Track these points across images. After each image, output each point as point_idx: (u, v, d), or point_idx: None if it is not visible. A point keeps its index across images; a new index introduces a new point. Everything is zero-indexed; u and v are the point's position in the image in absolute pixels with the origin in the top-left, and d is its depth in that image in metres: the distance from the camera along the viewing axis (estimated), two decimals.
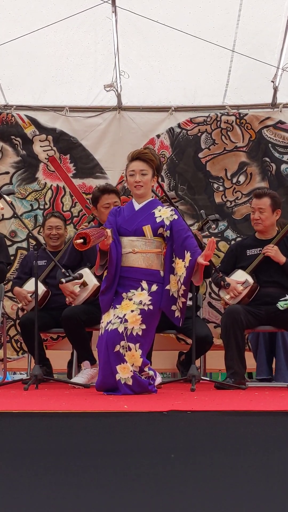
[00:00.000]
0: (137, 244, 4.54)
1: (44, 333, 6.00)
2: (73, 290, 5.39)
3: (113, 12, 6.03)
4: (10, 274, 6.67)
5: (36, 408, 3.32)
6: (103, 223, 5.59)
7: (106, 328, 4.42)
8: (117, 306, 4.46)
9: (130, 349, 4.34)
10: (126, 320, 4.38)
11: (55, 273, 5.66)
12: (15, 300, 6.37)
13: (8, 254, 6.01)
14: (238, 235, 6.72)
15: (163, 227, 4.53)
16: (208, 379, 5.50)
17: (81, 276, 5.07)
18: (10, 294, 6.36)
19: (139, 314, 4.41)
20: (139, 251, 4.52)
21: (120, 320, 4.39)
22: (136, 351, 4.35)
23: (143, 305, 4.45)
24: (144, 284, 4.47)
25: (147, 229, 4.55)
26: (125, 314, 4.40)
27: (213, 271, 5.57)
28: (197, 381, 4.66)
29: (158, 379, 4.71)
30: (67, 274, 5.03)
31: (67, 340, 5.65)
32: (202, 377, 5.07)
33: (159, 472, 2.90)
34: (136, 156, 4.65)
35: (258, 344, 6.17)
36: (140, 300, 4.45)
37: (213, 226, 5.99)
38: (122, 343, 4.34)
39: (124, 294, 4.47)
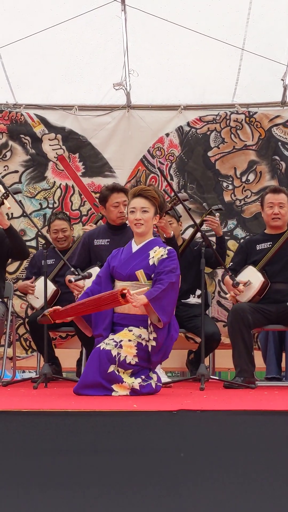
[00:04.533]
0: (131, 290, 4.29)
1: (53, 332, 6.00)
2: (77, 283, 5.32)
3: (122, 10, 6.04)
4: (20, 273, 6.69)
5: (46, 407, 3.32)
6: (112, 222, 5.59)
7: (99, 346, 4.27)
8: (116, 333, 4.31)
9: (123, 373, 4.20)
10: (121, 346, 4.21)
11: (65, 272, 5.67)
12: (24, 298, 6.38)
13: None
14: (248, 234, 6.70)
15: (153, 269, 4.35)
16: (217, 378, 5.49)
17: (90, 275, 5.06)
18: (19, 292, 6.36)
19: (135, 346, 4.23)
20: None
21: (115, 344, 4.22)
22: (129, 377, 4.19)
23: (142, 339, 4.26)
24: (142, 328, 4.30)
25: (140, 274, 4.34)
26: (121, 340, 4.24)
27: (223, 270, 5.56)
28: (206, 380, 4.65)
29: (163, 379, 4.71)
30: (76, 273, 5.04)
31: (76, 338, 5.65)
32: (211, 376, 5.06)
33: (168, 471, 2.90)
34: (138, 193, 4.45)
35: (267, 342, 6.16)
36: (140, 334, 4.28)
37: (217, 214, 5.98)
38: (113, 367, 4.17)
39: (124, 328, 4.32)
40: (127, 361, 4.18)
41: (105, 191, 5.64)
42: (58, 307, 4.37)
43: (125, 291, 4.10)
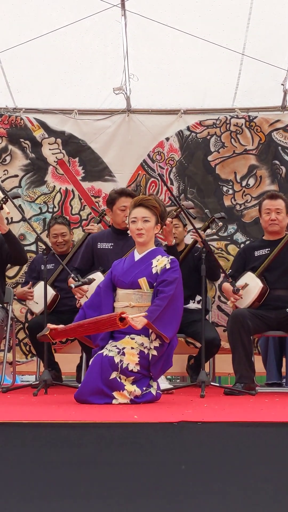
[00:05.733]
0: (133, 298, 4.34)
1: None
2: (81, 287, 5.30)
3: (122, 15, 6.04)
4: (19, 278, 6.68)
5: (46, 417, 3.30)
6: (117, 226, 5.58)
7: (101, 352, 4.26)
8: (117, 340, 4.29)
9: (125, 380, 4.18)
10: (123, 353, 4.20)
11: (64, 277, 5.66)
12: (24, 303, 6.37)
13: None
14: (248, 238, 6.69)
15: (156, 278, 4.35)
16: (217, 384, 5.48)
17: (90, 281, 5.05)
18: None
19: (137, 354, 4.22)
20: (136, 305, 4.32)
21: (118, 351, 4.21)
22: (131, 384, 4.17)
23: (144, 348, 4.25)
24: (143, 336, 4.28)
25: (143, 281, 4.34)
26: (124, 347, 4.22)
27: (223, 276, 5.54)
28: (207, 386, 4.64)
29: (163, 385, 4.69)
30: (76, 279, 5.03)
31: (76, 343, 5.64)
32: (211, 383, 5.05)
33: (169, 483, 2.89)
34: (139, 203, 4.45)
35: (267, 348, 6.15)
36: (142, 342, 4.26)
37: (220, 223, 5.96)
38: (115, 374, 4.15)
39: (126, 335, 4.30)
40: (129, 369, 4.16)
41: (113, 194, 5.65)
42: (58, 326, 4.35)
43: (124, 315, 4.09)
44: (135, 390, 4.14)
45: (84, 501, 2.81)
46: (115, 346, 4.25)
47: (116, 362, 4.16)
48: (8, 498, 2.78)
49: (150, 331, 4.26)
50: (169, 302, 4.27)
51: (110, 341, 4.33)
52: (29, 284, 5.87)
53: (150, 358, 4.24)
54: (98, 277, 5.32)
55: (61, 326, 4.37)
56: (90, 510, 2.80)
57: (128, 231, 4.58)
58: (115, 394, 4.13)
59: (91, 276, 5.26)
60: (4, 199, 5.29)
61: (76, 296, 5.38)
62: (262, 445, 2.96)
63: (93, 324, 4.23)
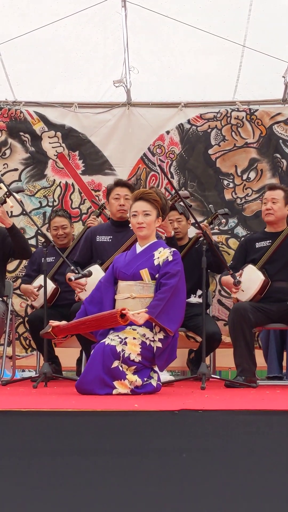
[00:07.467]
0: (135, 289, 4.33)
1: None
2: (79, 281, 5.29)
3: (122, 6, 6.02)
4: (19, 271, 6.65)
5: (45, 407, 3.28)
6: (113, 216, 5.57)
7: (103, 341, 4.24)
8: (119, 331, 4.27)
9: (126, 369, 4.17)
10: (125, 343, 4.18)
11: (64, 270, 5.64)
12: (24, 297, 6.34)
13: None
14: (248, 232, 6.66)
15: (158, 269, 4.34)
16: (218, 377, 5.45)
17: (90, 274, 5.02)
18: (18, 291, 6.33)
19: (139, 344, 4.20)
20: (137, 296, 4.31)
21: (120, 340, 4.20)
22: (132, 374, 4.16)
23: (146, 339, 4.24)
24: (145, 327, 4.26)
25: (144, 272, 4.33)
26: (126, 337, 4.20)
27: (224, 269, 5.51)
28: (207, 379, 4.61)
29: (163, 378, 4.66)
30: (76, 272, 5.00)
31: (76, 337, 5.61)
32: (212, 375, 5.02)
33: (170, 472, 2.86)
34: (139, 196, 4.45)
35: (268, 341, 6.12)
36: (144, 333, 4.25)
37: (223, 220, 5.92)
38: (117, 362, 4.13)
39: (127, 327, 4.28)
40: (131, 358, 4.15)
41: (109, 186, 5.70)
42: (60, 323, 4.34)
43: (124, 312, 4.08)
44: (136, 380, 4.13)
45: (83, 489, 2.78)
46: (117, 335, 4.24)
47: (118, 351, 4.15)
48: (7, 485, 2.76)
49: (154, 323, 4.24)
50: (172, 295, 4.26)
51: (111, 331, 4.31)
52: (38, 286, 5.82)
53: (154, 350, 4.23)
54: (96, 269, 5.29)
55: (63, 322, 4.36)
56: (90, 498, 2.77)
57: (130, 224, 4.56)
58: (115, 383, 4.11)
59: (89, 269, 5.23)
60: (7, 194, 5.26)
61: (76, 291, 5.36)
62: (263, 433, 2.93)
63: (94, 321, 4.22)
